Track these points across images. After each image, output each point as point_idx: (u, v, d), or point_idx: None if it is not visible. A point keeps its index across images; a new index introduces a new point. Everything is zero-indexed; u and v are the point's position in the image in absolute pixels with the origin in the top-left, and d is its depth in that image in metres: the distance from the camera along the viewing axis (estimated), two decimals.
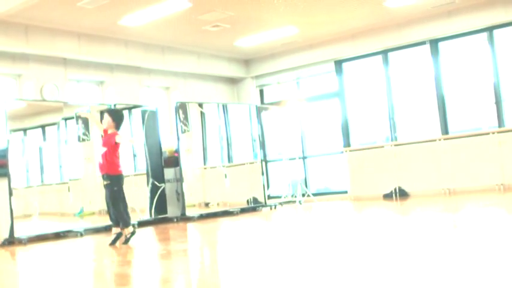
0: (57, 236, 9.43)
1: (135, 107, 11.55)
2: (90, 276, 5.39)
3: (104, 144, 7.59)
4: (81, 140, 10.43)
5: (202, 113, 12.37)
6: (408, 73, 13.15)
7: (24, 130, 10.18)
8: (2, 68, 10.80)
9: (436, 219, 7.71)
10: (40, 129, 10.38)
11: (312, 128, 14.70)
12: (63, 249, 7.92)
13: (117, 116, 7.83)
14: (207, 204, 12.09)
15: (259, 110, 13.52)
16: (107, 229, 9.39)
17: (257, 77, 15.28)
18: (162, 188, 11.33)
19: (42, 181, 10.06)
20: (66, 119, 10.21)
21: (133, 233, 7.55)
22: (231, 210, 11.86)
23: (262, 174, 12.91)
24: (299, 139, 14.61)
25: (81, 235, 9.39)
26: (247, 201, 12.65)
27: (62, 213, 9.95)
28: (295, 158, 13.88)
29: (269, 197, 13.52)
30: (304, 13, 11.39)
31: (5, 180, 8.92)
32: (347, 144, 13.64)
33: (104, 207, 10.47)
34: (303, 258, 5.18)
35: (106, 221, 9.98)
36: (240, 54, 14.62)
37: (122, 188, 7.62)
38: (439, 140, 12.03)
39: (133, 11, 10.50)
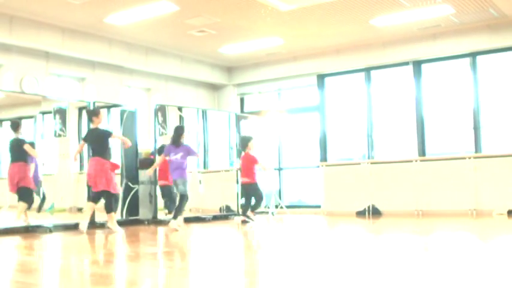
0: (26, 230, 9.31)
1: (114, 106, 11.49)
2: (55, 274, 5.31)
3: None
4: (57, 135, 10.35)
5: (181, 117, 12.33)
6: (389, 92, 13.21)
7: (0, 121, 10.07)
8: None
9: (407, 240, 7.73)
10: None
11: (290, 140, 14.70)
12: (30, 244, 7.81)
13: None
14: None
15: (238, 119, 13.50)
16: (76, 226, 9.30)
17: (239, 85, 15.26)
18: (135, 189, 11.26)
19: None
20: (43, 113, 10.12)
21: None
22: (203, 216, 11.81)
23: (237, 182, 12.87)
24: (276, 150, 14.59)
25: (50, 231, 9.27)
26: (220, 208, 12.61)
27: (33, 208, 9.81)
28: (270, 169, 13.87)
29: (242, 206, 13.45)
30: (290, 25, 11.42)
31: None
32: (324, 158, 13.65)
33: (75, 204, 10.43)
34: (266, 268, 5.16)
35: (76, 218, 9.92)
36: (224, 61, 14.60)
37: None
38: (416, 161, 12.09)
39: (119, 10, 10.44)
